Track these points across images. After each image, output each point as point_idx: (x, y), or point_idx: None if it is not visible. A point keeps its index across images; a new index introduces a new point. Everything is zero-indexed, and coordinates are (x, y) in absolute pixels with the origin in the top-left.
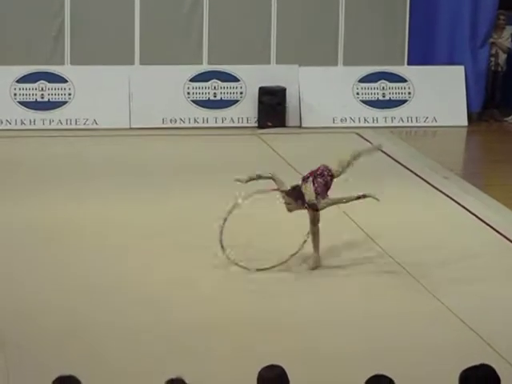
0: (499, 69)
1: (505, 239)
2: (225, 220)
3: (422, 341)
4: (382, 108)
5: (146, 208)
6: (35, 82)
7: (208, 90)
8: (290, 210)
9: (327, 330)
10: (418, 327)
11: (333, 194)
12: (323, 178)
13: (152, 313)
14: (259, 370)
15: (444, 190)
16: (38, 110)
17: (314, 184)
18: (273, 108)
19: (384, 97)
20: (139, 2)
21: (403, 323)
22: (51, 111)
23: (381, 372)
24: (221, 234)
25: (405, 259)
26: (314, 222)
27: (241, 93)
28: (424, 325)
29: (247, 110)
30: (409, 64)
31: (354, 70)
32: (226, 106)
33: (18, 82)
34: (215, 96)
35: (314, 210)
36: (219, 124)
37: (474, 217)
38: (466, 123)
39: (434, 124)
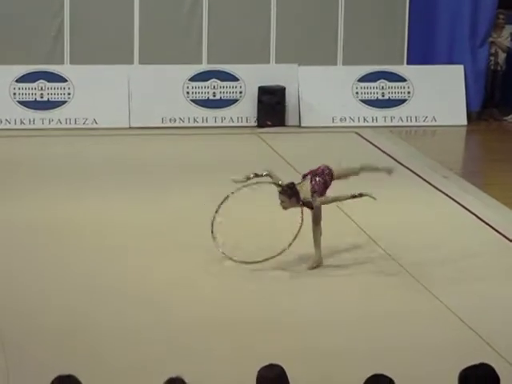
0: (499, 68)
1: (504, 238)
2: (217, 210)
3: (421, 340)
4: (382, 107)
5: (146, 207)
6: (35, 81)
7: (207, 89)
8: (284, 208)
9: (327, 330)
10: (418, 326)
11: (331, 193)
12: (322, 176)
13: (152, 312)
14: (259, 369)
15: (443, 190)
16: (37, 109)
17: (311, 182)
18: (272, 107)
19: (383, 96)
20: (139, 2)
21: (403, 322)
22: (51, 111)
23: (380, 371)
24: (212, 226)
25: (404, 258)
26: (316, 221)
27: (240, 92)
28: (423, 324)
29: (247, 110)
30: (408, 63)
31: (353, 69)
32: (226, 106)
33: (17, 81)
34: (215, 95)
35: (309, 207)
36: (219, 123)
37: (474, 216)
38: (465, 122)
39: (434, 123)
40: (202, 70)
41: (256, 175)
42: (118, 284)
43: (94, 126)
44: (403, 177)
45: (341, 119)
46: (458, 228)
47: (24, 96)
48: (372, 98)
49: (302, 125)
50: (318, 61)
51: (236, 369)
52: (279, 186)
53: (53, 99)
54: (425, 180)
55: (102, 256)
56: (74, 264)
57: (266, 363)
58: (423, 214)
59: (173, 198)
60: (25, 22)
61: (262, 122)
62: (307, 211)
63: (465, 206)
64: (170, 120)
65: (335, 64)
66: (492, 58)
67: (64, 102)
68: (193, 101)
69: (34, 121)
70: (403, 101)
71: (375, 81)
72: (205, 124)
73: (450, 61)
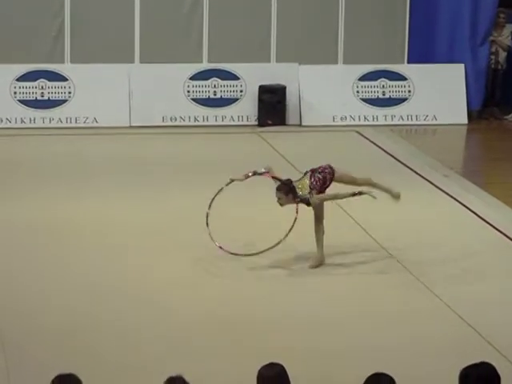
0: (499, 67)
1: (504, 237)
2: (211, 202)
3: (422, 339)
4: (382, 106)
5: (146, 206)
6: (35, 80)
7: (208, 88)
8: (281, 205)
9: (328, 328)
10: (419, 325)
11: (331, 191)
12: (322, 174)
13: (152, 311)
14: (259, 368)
15: (444, 188)
16: (38, 108)
17: (310, 179)
18: (273, 106)
19: (384, 95)
20: (139, 1)
21: (403, 321)
22: (51, 109)
23: (381, 370)
24: (207, 217)
25: (405, 257)
26: (318, 220)
27: (241, 91)
28: (424, 323)
29: (247, 109)
30: (409, 62)
31: (354, 68)
32: (226, 105)
33: (18, 80)
34: (215, 94)
35: (306, 204)
36: (219, 122)
37: (474, 215)
38: (466, 121)
39: (434, 122)
40: (202, 69)
41: (255, 173)
42: (118, 283)
43: (95, 124)
44: (403, 176)
45: (341, 118)
46: (458, 227)
47: (24, 95)
48: (373, 97)
49: (303, 124)
50: (319, 60)
51: (236, 368)
52: (279, 180)
53: (53, 98)
54: (425, 179)
55: (103, 255)
56: (74, 263)
57: (267, 362)
58: (424, 213)
59: (173, 197)
60: (25, 20)
61: (262, 121)
62: (303, 207)
63: (465, 204)
64: (171, 119)
65: (336, 63)
66: (492, 57)
67: (64, 101)
68: (193, 100)
69: (34, 120)
70: (404, 99)
71: (376, 80)
72: (205, 123)
73: (451, 60)
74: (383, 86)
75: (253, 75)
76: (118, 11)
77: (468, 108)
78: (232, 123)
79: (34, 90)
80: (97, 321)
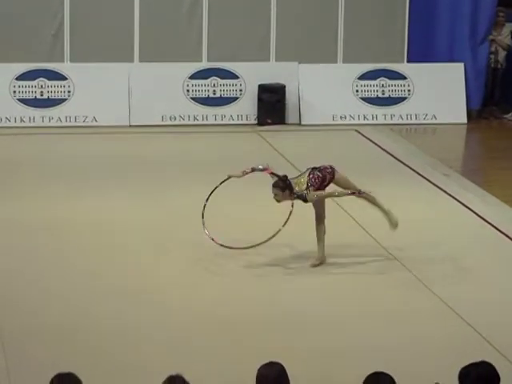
0: (499, 66)
1: (504, 236)
2: (209, 196)
3: (421, 338)
4: (382, 105)
5: (146, 205)
6: (35, 79)
7: (207, 87)
8: (278, 201)
9: (327, 328)
10: (418, 325)
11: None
12: (322, 172)
13: (152, 311)
14: (259, 367)
15: (444, 188)
16: (37, 107)
17: (309, 175)
18: (272, 105)
19: (384, 94)
20: (139, 0)
21: (403, 321)
22: (51, 108)
23: (381, 369)
24: (204, 209)
25: (404, 256)
26: (319, 219)
27: (240, 90)
28: (424, 322)
29: (247, 108)
30: (408, 61)
31: (353, 67)
32: (226, 104)
33: (17, 79)
34: (215, 93)
35: (303, 201)
36: (219, 121)
37: (474, 214)
38: (465, 120)
39: (434, 121)
40: (202, 68)
41: (253, 170)
42: (118, 282)
43: (94, 124)
44: (403, 175)
45: (341, 117)
46: (457, 226)
47: (24, 94)
48: (372, 96)
49: (302, 123)
50: (318, 59)
51: (236, 367)
52: (277, 176)
53: (53, 97)
54: (425, 178)
55: (103, 254)
56: (75, 263)
57: (266, 361)
58: (423, 212)
59: (173, 196)
60: (25, 19)
61: (262, 120)
62: (300, 204)
63: (465, 203)
64: (170, 118)
65: (335, 62)
66: (492, 56)
67: (64, 100)
68: (193, 99)
69: (34, 119)
70: (403, 99)
71: (375, 79)
72: (205, 122)
73: (451, 59)
74: (383, 85)
75: (252, 74)
76: (118, 10)
77: (468, 107)
78: (231, 122)
79: (33, 89)
80: (97, 320)
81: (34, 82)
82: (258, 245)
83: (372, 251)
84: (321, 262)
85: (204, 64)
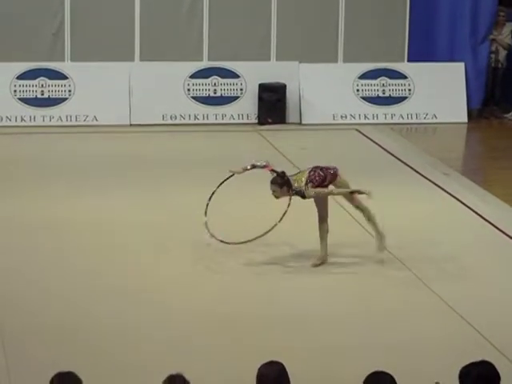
0: (499, 65)
1: (504, 235)
2: (211, 196)
3: (421, 337)
4: (382, 105)
5: (146, 205)
6: (35, 78)
7: (208, 86)
8: (276, 197)
9: (328, 327)
10: (418, 323)
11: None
12: (323, 171)
13: (152, 310)
14: (259, 366)
15: (444, 187)
16: (38, 106)
17: (310, 172)
18: (273, 104)
19: (384, 93)
20: None
21: (403, 319)
22: (51, 108)
23: (381, 368)
24: (207, 207)
25: (404, 255)
26: (321, 219)
27: (241, 89)
28: (424, 321)
29: (247, 107)
30: (409, 61)
31: (354, 66)
32: (226, 103)
33: (18, 78)
34: (215, 92)
35: (301, 197)
36: (219, 121)
37: (474, 213)
38: (466, 120)
39: (434, 121)
40: (202, 67)
41: (254, 166)
42: (118, 282)
43: (95, 123)
44: (404, 174)
45: (341, 116)
46: (457, 225)
47: (25, 93)
48: (373, 96)
49: (303, 122)
50: (319, 58)
51: (236, 366)
52: (276, 172)
53: (53, 96)
54: (425, 177)
55: (103, 254)
56: (75, 262)
57: (267, 360)
58: (423, 211)
59: (173, 196)
60: (25, 19)
61: (262, 120)
62: (301, 201)
63: (465, 203)
64: (171, 117)
65: (336, 61)
66: (493, 56)
67: (65, 99)
68: (193, 98)
69: (34, 118)
70: (404, 98)
71: (376, 78)
72: (205, 121)
73: (451, 58)
74: (383, 85)
75: (253, 73)
76: (118, 9)
77: (468, 106)
78: (232, 121)
79: (34, 88)
80: (97, 319)
81: (35, 82)
82: (254, 239)
83: (372, 250)
84: (322, 261)
85: (205, 63)
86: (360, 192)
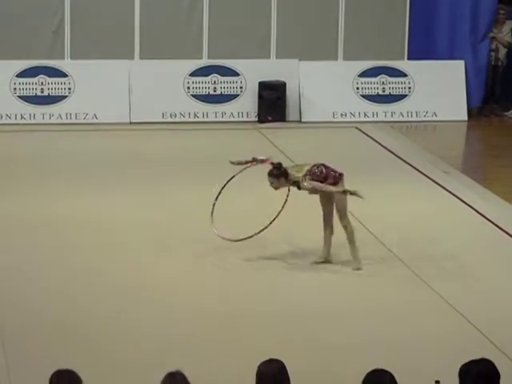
0: (499, 63)
1: (504, 233)
2: (217, 196)
3: (421, 335)
4: (382, 103)
5: (146, 202)
6: (35, 76)
7: (208, 84)
8: (275, 188)
9: (328, 324)
10: (418, 321)
11: None
12: (327, 170)
13: (152, 308)
14: (259, 364)
15: (444, 185)
16: (37, 104)
17: (313, 167)
18: (273, 102)
19: (384, 91)
20: None
21: (403, 317)
22: (51, 106)
23: (380, 366)
24: (213, 206)
25: (404, 253)
26: (325, 219)
27: (241, 87)
28: (424, 319)
29: (247, 105)
30: (409, 59)
31: (354, 64)
32: (226, 101)
33: (17, 76)
34: (215, 90)
35: (297, 188)
36: (219, 118)
37: (474, 211)
38: (465, 118)
39: (434, 119)
40: (202, 65)
41: (254, 160)
42: (118, 280)
43: (95, 121)
44: (403, 172)
45: (341, 114)
46: (457, 223)
47: (24, 91)
48: (373, 93)
49: (303, 120)
50: (319, 56)
51: (236, 364)
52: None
53: (53, 94)
54: (425, 175)
55: (103, 252)
56: (75, 260)
57: (267, 358)
58: (423, 209)
59: (173, 193)
60: (25, 17)
61: (262, 118)
62: (298, 193)
63: (465, 201)
64: (171, 115)
65: (336, 59)
66: (493, 54)
67: (64, 97)
68: (193, 96)
69: (34, 116)
70: (404, 96)
71: (376, 76)
72: (205, 119)
73: (451, 56)
74: (383, 83)
75: (253, 71)
76: (118, 7)
77: (468, 105)
78: (232, 119)
79: (33, 86)
80: (97, 317)
81: (35, 79)
82: (259, 232)
83: (371, 248)
84: (324, 260)
85: (204, 61)
86: (352, 193)
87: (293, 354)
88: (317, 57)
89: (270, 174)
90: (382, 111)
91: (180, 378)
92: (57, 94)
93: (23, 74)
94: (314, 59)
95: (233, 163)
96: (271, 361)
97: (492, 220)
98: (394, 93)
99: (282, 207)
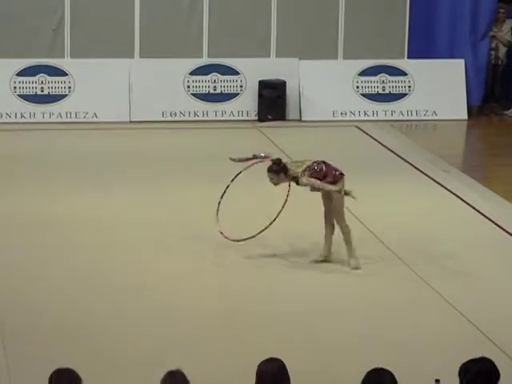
0: (499, 62)
1: (504, 232)
2: (223, 194)
3: (421, 334)
4: (382, 101)
5: (146, 201)
6: (35, 75)
7: (208, 83)
8: (275, 184)
9: (327, 323)
10: (418, 320)
11: None
12: (327, 168)
13: (152, 306)
14: (259, 363)
15: (444, 184)
16: (37, 103)
17: (314, 163)
18: (273, 101)
19: (384, 90)
20: None
21: (403, 316)
22: (51, 104)
23: (380, 365)
24: (218, 204)
25: (404, 252)
26: (326, 217)
27: (241, 86)
28: (423, 318)
29: (247, 104)
30: (409, 57)
31: (354, 63)
32: (226, 100)
33: (17, 75)
34: (215, 89)
35: (296, 183)
36: (219, 117)
37: (474, 210)
38: (466, 117)
39: (434, 117)
40: (202, 64)
41: (255, 156)
42: (118, 278)
43: (95, 119)
44: (404, 171)
45: (341, 113)
46: (457, 222)
47: (24, 90)
48: (373, 92)
49: (303, 119)
50: (319, 55)
51: (236, 362)
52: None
53: (53, 93)
54: (425, 174)
55: (103, 250)
56: (75, 259)
57: (267, 356)
58: (423, 208)
59: (173, 192)
60: (25, 15)
61: (262, 116)
62: (298, 192)
63: (465, 200)
64: (171, 114)
65: (336, 58)
66: (493, 52)
67: (64, 96)
68: (193, 95)
69: (34, 114)
70: (404, 95)
71: (376, 75)
72: (205, 118)
73: (451, 55)
74: (383, 82)
75: (253, 70)
76: (118, 6)
77: (468, 103)
78: (232, 118)
79: (33, 84)
80: (97, 317)
81: (35, 78)
82: (261, 231)
83: (371, 246)
84: (324, 259)
85: (204, 60)
86: (348, 194)
87: (293, 353)
88: (317, 56)
89: (270, 169)
90: (381, 110)
91: (180, 376)
92: (57, 92)
93: (23, 72)
94: (314, 58)
95: (233, 160)
96: (271, 360)
97: (492, 219)
98: (394, 92)
99: (282, 207)
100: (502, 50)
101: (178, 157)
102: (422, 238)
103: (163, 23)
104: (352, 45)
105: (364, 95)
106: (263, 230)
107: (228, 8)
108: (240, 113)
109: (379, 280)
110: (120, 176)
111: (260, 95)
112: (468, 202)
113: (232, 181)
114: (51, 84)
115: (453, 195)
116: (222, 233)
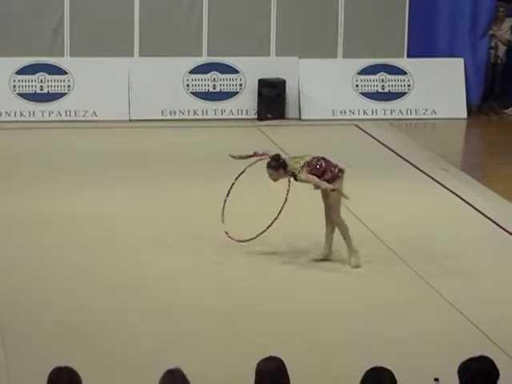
0: (499, 61)
1: (504, 231)
2: (228, 192)
3: (420, 333)
4: (382, 100)
5: (146, 200)
6: (35, 73)
7: (207, 81)
8: (274, 180)
9: (327, 322)
10: (417, 319)
11: None
12: (327, 165)
13: (152, 306)
14: (258, 362)
15: (443, 183)
16: (37, 101)
17: (313, 160)
18: (272, 100)
19: (383, 89)
20: None
21: (402, 315)
22: (50, 103)
23: (380, 364)
24: (224, 203)
25: (403, 251)
26: (327, 215)
27: (240, 85)
28: (423, 317)
29: (247, 102)
30: (408, 56)
31: (353, 62)
32: (226, 98)
33: (17, 73)
34: (215, 88)
35: (294, 179)
36: (219, 116)
37: (473, 209)
38: (465, 115)
39: (434, 116)
40: (202, 63)
41: (255, 153)
42: (118, 278)
43: (94, 118)
44: (403, 170)
45: (341, 112)
46: (457, 221)
47: (24, 88)
48: (372, 91)
49: (302, 117)
50: (319, 53)
51: (236, 361)
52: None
53: (53, 91)
54: (424, 173)
55: (102, 250)
56: (74, 258)
57: (266, 355)
58: (423, 207)
59: (173, 191)
60: (25, 14)
61: (262, 115)
62: (298, 188)
63: (464, 198)
64: (170, 112)
65: (335, 57)
66: (492, 51)
67: (64, 95)
68: (193, 93)
69: (33, 113)
70: (403, 94)
71: (375, 74)
72: (205, 116)
73: (450, 54)
74: (383, 80)
75: (252, 69)
76: (118, 5)
77: (467, 102)
78: (231, 117)
79: (33, 83)
80: (97, 316)
81: (34, 77)
82: (260, 234)
83: (371, 245)
84: (324, 258)
85: (204, 58)
86: (341, 193)
87: (292, 353)
88: (316, 54)
89: (269, 165)
90: (381, 109)
91: (179, 375)
92: (56, 91)
93: (23, 71)
94: (314, 57)
95: (233, 157)
96: (270, 358)
97: (491, 218)
98: (394, 90)
99: (282, 207)
100: (502, 49)
101: (178, 155)
102: (422, 236)
103: (163, 22)
104: (351, 43)
105: (363, 94)
106: (265, 230)
107: (228, 6)
108: (239, 111)
109: (379, 279)
110: (120, 175)
111: (259, 94)
112: (467, 200)
113: (236, 179)
114: (51, 82)
115: (452, 194)
116: (227, 233)
